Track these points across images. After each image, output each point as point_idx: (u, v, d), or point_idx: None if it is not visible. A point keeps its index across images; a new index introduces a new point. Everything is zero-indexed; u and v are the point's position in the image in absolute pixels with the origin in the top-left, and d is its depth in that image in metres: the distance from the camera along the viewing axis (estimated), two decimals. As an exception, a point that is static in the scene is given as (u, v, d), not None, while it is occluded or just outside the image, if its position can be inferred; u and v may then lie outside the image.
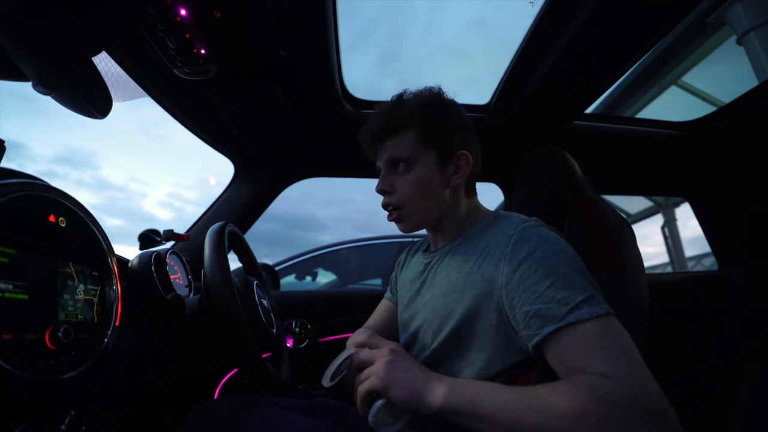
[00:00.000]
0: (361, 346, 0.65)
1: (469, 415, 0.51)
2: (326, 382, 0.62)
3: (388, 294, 1.00)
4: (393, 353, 0.59)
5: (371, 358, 0.60)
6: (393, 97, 0.80)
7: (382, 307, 1.00)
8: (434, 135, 0.75)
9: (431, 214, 0.77)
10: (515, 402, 0.50)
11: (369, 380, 0.56)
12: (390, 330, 0.91)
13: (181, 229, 1.15)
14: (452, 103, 0.79)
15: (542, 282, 0.58)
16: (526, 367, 0.64)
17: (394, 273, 1.00)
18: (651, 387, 0.48)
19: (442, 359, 0.70)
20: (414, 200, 0.75)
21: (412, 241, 1.00)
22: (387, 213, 0.79)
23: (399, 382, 0.55)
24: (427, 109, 0.76)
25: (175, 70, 0.85)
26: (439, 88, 0.80)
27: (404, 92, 0.80)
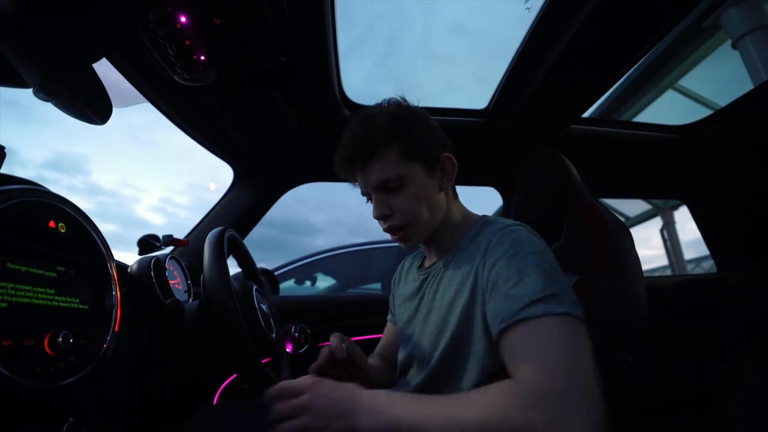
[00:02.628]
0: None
1: None
2: None
3: (389, 316, 1.00)
4: (312, 399, 0.52)
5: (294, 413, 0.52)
6: (355, 119, 0.76)
7: (388, 330, 1.00)
8: (415, 146, 0.73)
9: (433, 223, 0.76)
10: (431, 418, 0.49)
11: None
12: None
13: (175, 234, 1.15)
14: (419, 110, 0.78)
15: (508, 282, 0.59)
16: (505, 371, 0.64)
17: (391, 293, 1.00)
18: (574, 394, 0.47)
19: (443, 374, 0.70)
20: (416, 214, 0.73)
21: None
22: (391, 235, 0.76)
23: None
24: (400, 123, 0.73)
25: (175, 77, 0.85)
26: (403, 98, 0.78)
27: (368, 109, 0.76)
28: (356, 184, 0.78)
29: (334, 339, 0.80)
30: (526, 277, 0.58)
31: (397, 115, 0.73)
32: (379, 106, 0.77)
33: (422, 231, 0.75)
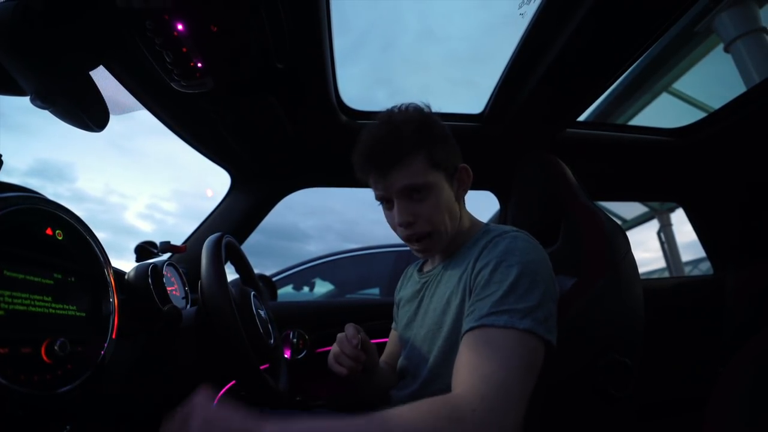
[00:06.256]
0: None
1: None
2: None
3: (393, 324, 1.01)
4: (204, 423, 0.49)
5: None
6: (380, 121, 0.74)
7: (391, 337, 1.01)
8: (439, 155, 0.72)
9: (452, 232, 0.75)
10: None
11: None
12: None
13: (167, 240, 1.14)
14: (438, 118, 0.77)
15: (486, 289, 0.61)
16: None
17: (395, 302, 1.00)
18: (496, 415, 0.48)
19: (438, 375, 0.71)
20: (439, 223, 0.72)
21: (410, 251, 1.01)
22: (410, 244, 0.75)
23: None
24: (426, 131, 0.71)
25: (172, 84, 0.86)
26: (427, 105, 0.77)
27: (392, 113, 0.74)
28: (374, 187, 0.76)
29: (349, 328, 0.77)
30: (502, 287, 0.59)
31: (422, 122, 0.72)
32: (398, 110, 0.75)
33: (443, 240, 0.75)
